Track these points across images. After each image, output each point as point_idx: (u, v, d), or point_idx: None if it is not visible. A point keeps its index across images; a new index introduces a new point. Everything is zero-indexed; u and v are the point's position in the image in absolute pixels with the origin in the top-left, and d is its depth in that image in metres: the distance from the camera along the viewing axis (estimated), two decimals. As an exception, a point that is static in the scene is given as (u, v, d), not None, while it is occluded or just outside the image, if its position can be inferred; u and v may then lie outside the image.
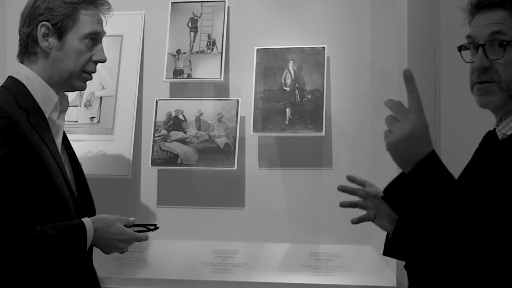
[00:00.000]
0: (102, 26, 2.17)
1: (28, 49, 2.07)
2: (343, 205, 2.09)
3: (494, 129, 1.74)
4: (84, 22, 2.08)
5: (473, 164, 1.77)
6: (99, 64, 2.91)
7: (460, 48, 1.74)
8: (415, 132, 1.47)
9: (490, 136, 1.74)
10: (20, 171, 1.89)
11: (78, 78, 2.10)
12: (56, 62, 2.06)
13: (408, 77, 1.49)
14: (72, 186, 2.06)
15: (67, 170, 2.07)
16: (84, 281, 2.05)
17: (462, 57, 1.74)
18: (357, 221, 2.09)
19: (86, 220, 1.99)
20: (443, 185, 1.46)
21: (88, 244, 1.98)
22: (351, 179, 2.13)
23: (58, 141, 2.08)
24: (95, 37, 2.12)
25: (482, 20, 1.69)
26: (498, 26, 1.65)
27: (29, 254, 1.87)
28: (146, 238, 2.17)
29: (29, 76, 2.05)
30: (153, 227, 2.23)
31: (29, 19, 2.07)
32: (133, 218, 2.16)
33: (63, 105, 2.12)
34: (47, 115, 2.04)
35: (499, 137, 1.71)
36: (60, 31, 2.05)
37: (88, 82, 2.13)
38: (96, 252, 2.12)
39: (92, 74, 2.15)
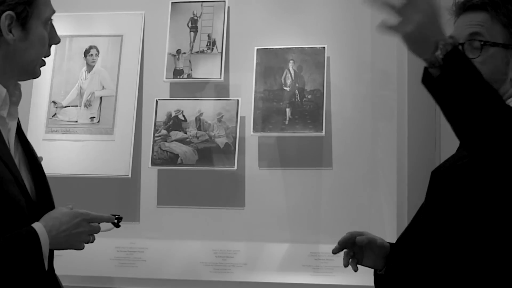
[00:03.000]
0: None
1: None
2: (334, 251, 1.96)
3: None
4: (43, 4, 1.85)
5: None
6: (99, 64, 2.92)
7: None
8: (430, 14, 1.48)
9: None
10: None
11: (38, 66, 1.89)
12: (18, 53, 1.83)
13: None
14: (28, 189, 1.84)
15: (23, 170, 1.87)
16: None
17: None
18: (346, 264, 1.96)
19: (36, 225, 1.76)
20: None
21: (45, 250, 1.76)
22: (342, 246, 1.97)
23: (11, 139, 1.87)
24: (50, 19, 1.89)
25: (464, 21, 1.76)
26: (477, 27, 1.72)
27: None
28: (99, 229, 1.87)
29: None
30: (116, 219, 1.93)
31: None
32: (70, 205, 1.85)
33: (16, 95, 1.89)
34: None
35: None
36: (24, 19, 1.81)
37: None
38: (96, 252, 2.11)
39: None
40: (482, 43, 1.70)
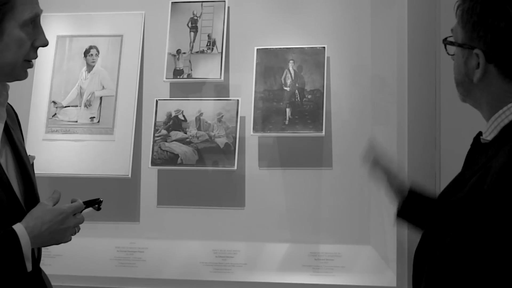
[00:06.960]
0: (38, 5, 1.85)
1: None
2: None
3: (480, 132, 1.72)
4: (21, 5, 1.79)
5: (464, 169, 1.73)
6: (99, 64, 2.91)
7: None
8: None
9: (477, 139, 1.71)
10: None
11: (20, 68, 1.84)
12: None
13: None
14: (16, 189, 1.83)
15: (11, 171, 1.85)
16: None
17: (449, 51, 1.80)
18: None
19: (17, 226, 1.74)
20: None
21: (26, 250, 1.74)
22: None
23: None
24: (35, 20, 1.83)
25: None
26: (454, 27, 1.72)
27: None
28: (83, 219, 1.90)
29: None
30: (97, 204, 1.95)
31: None
32: (57, 194, 1.87)
33: (3, 96, 1.87)
34: None
35: (482, 141, 1.67)
36: None
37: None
38: (96, 252, 2.11)
39: (33, 60, 1.88)
40: (444, 41, 1.73)
